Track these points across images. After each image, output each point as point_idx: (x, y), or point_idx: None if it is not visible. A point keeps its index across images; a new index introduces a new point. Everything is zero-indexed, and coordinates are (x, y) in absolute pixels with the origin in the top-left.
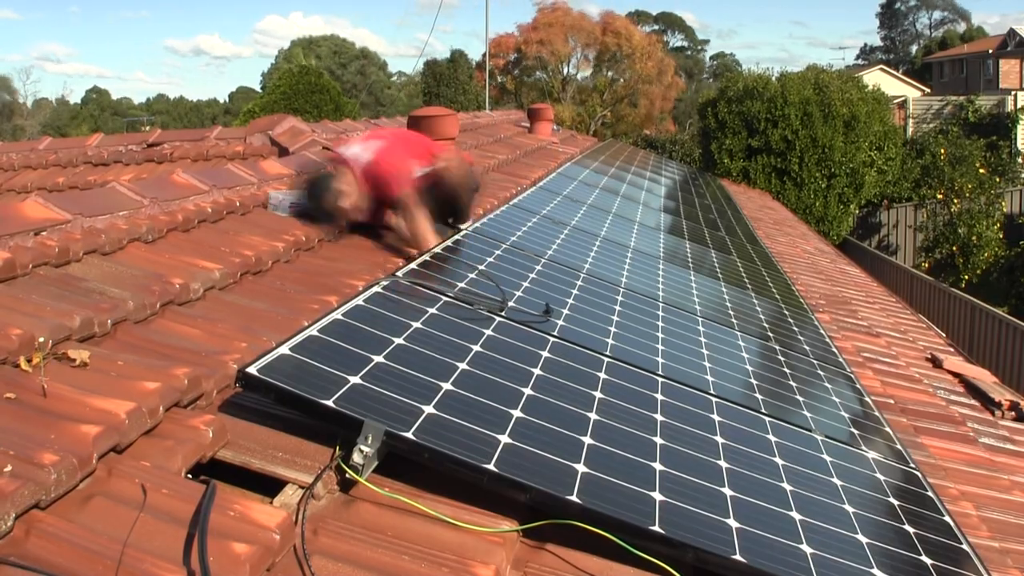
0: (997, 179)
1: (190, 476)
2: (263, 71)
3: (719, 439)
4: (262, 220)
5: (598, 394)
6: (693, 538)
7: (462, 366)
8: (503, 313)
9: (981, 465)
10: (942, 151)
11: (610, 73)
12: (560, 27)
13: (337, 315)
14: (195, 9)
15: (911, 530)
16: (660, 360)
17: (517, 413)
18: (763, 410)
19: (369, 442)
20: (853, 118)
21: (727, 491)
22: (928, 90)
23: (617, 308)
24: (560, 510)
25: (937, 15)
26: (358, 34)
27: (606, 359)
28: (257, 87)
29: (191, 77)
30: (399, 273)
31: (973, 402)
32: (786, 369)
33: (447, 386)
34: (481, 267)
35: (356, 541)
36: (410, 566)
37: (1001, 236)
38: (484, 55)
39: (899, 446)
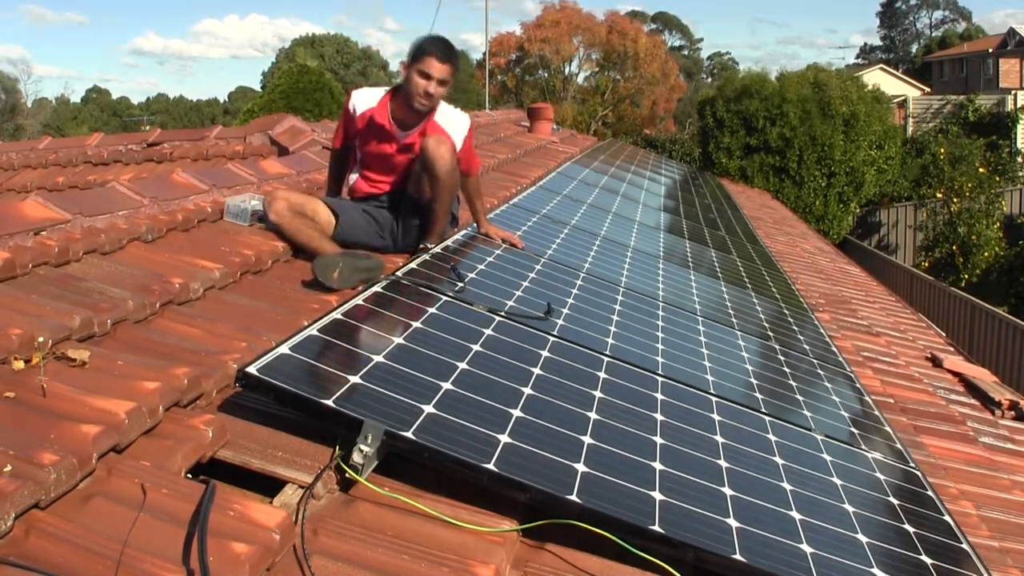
0: (997, 178)
1: (190, 476)
2: (263, 70)
3: (719, 438)
4: None
5: (598, 393)
6: (693, 538)
7: (462, 365)
8: (503, 312)
9: (981, 464)
10: (942, 150)
11: (614, 74)
12: (567, 26)
13: (337, 315)
14: (126, 12)
15: (911, 529)
16: (660, 359)
17: (517, 413)
18: (763, 409)
19: (369, 442)
20: (853, 117)
21: (727, 490)
22: (928, 89)
23: (617, 307)
24: (560, 510)
25: (938, 15)
26: (298, 30)
27: (606, 358)
28: (254, 87)
29: (161, 78)
30: (399, 273)
31: (973, 401)
32: (786, 368)
33: (447, 386)
34: (481, 267)
35: (356, 541)
36: (410, 566)
37: (1001, 235)
38: (484, 54)
39: (899, 445)
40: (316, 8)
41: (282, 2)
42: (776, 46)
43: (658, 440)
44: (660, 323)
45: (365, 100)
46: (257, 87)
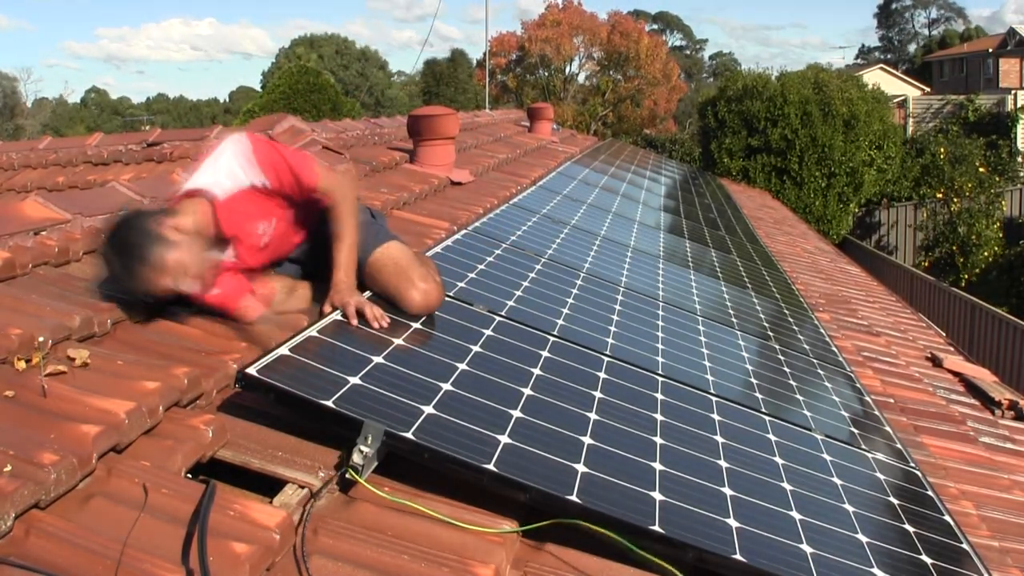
0: (997, 178)
1: (190, 476)
2: (263, 70)
3: (719, 438)
4: None
5: (598, 394)
6: (693, 538)
7: (462, 366)
8: (502, 314)
9: (981, 464)
10: (942, 150)
11: (615, 74)
12: (568, 26)
13: (337, 315)
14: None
15: (911, 529)
16: (660, 359)
17: (517, 413)
18: (763, 409)
19: (369, 442)
20: (853, 117)
21: (727, 491)
22: (928, 89)
23: (617, 307)
24: (560, 510)
25: (934, 13)
26: (216, 30)
27: (606, 358)
28: (257, 86)
29: (121, 78)
30: None
31: (973, 401)
32: (786, 368)
33: (447, 386)
34: (481, 267)
35: (356, 541)
36: (410, 566)
37: (1001, 235)
38: (484, 54)
39: (899, 445)
40: (225, 8)
41: (196, 4)
42: (739, 45)
43: (658, 440)
44: (660, 323)
45: None
46: (254, 86)
